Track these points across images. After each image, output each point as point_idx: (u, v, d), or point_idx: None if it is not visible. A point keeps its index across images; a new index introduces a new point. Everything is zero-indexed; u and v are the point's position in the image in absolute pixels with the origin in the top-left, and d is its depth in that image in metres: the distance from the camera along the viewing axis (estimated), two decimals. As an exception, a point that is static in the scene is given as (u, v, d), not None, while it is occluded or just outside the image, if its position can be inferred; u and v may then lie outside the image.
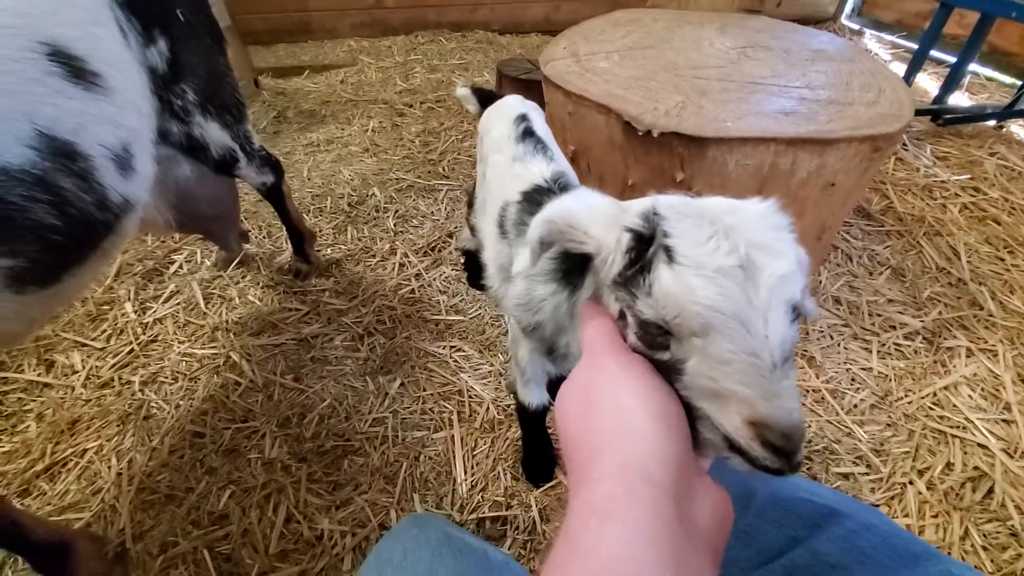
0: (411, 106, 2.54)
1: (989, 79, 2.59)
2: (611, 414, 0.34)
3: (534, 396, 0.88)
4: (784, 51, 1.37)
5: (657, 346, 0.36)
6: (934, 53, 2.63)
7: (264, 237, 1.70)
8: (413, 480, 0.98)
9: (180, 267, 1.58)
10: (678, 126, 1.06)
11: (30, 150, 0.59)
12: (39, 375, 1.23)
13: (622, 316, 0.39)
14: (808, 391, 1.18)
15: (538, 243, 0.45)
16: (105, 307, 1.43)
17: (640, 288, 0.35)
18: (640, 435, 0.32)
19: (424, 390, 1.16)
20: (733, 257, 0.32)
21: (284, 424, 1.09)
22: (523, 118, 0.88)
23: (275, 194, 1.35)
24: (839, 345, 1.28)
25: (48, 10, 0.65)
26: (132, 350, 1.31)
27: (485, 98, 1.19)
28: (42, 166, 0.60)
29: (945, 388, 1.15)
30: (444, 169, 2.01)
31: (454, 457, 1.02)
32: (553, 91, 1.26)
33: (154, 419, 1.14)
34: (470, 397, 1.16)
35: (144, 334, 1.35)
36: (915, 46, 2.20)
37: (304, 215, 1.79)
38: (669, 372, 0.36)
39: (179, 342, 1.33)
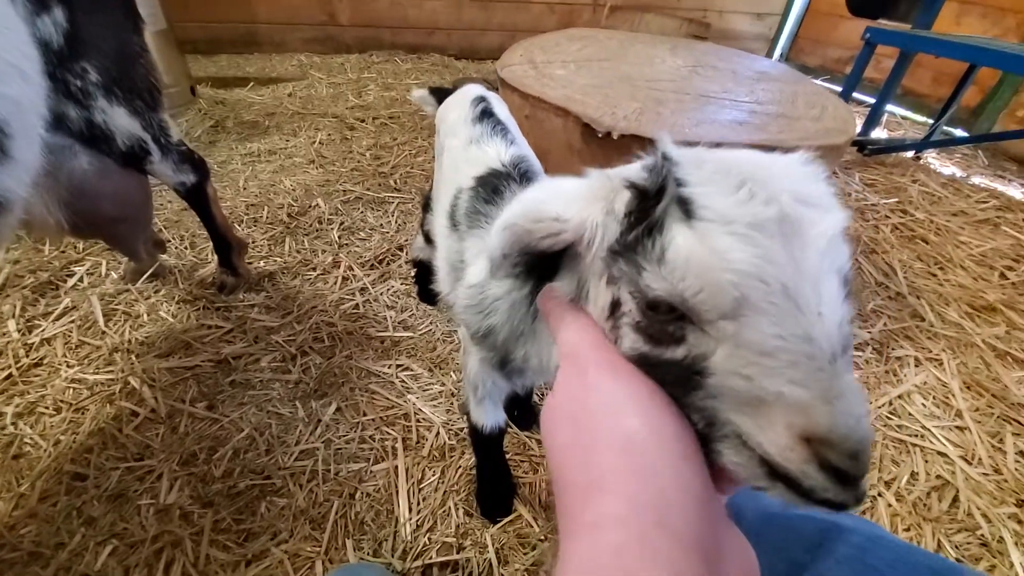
0: (363, 121, 2.45)
1: (904, 118, 2.87)
2: (611, 442, 0.26)
3: (488, 417, 0.77)
4: (731, 71, 1.42)
5: (668, 339, 0.27)
6: (856, 95, 2.89)
7: (186, 248, 1.52)
8: (346, 523, 0.83)
9: (80, 280, 1.36)
10: (638, 129, 1.04)
11: None
12: None
13: (613, 311, 0.31)
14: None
15: (500, 256, 0.36)
16: (-23, 326, 1.19)
17: (647, 254, 0.27)
18: (651, 469, 0.24)
19: (364, 415, 1.02)
20: (773, 208, 0.24)
21: (188, 461, 0.92)
22: (481, 99, 0.81)
23: (197, 196, 1.19)
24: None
25: None
26: (10, 375, 1.08)
27: (444, 98, 1.13)
28: None
29: (899, 397, 1.15)
30: (396, 182, 1.92)
31: (397, 493, 0.88)
32: (510, 94, 1.22)
33: (26, 458, 0.93)
34: (417, 421, 1.03)
35: (27, 357, 1.13)
36: (839, 88, 2.40)
37: (236, 225, 1.63)
38: (682, 381, 0.27)
39: (68, 366, 1.12)
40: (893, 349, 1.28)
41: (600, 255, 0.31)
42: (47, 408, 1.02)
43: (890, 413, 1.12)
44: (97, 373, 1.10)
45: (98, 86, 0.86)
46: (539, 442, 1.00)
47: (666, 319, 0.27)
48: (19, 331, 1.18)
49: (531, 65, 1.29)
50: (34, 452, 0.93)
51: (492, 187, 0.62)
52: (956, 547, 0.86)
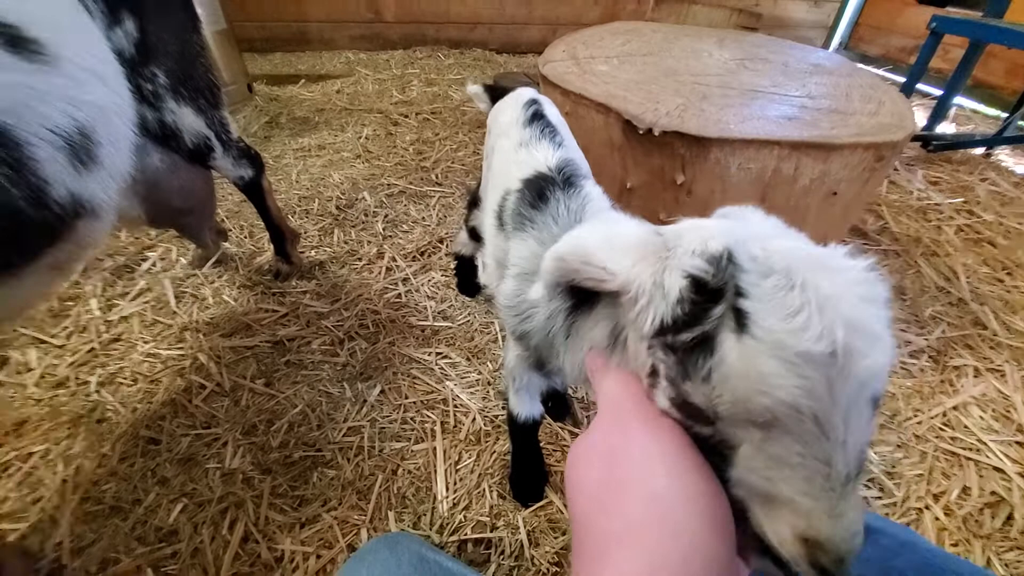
0: (407, 116, 2.52)
1: (974, 111, 2.66)
2: (639, 494, 0.27)
3: (524, 407, 0.80)
4: (782, 64, 1.37)
5: (699, 418, 0.29)
6: (921, 86, 2.71)
7: (245, 237, 1.63)
8: (389, 496, 0.88)
9: (153, 264, 1.49)
10: (680, 126, 1.03)
11: None
12: (-14, 373, 1.13)
13: (651, 373, 0.32)
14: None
15: (552, 285, 0.39)
16: (69, 303, 1.33)
17: (694, 367, 0.28)
18: (675, 529, 0.25)
19: (406, 398, 1.08)
20: (825, 342, 0.25)
21: (250, 432, 1.00)
22: (534, 102, 0.83)
23: (254, 189, 1.28)
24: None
25: None
26: (92, 349, 1.21)
27: (498, 96, 1.15)
28: None
29: (955, 408, 1.10)
30: (437, 176, 1.97)
31: (435, 471, 0.93)
32: (551, 91, 1.23)
33: (108, 423, 1.04)
34: (455, 407, 1.08)
35: (107, 332, 1.25)
36: (901, 79, 2.25)
37: (290, 216, 1.73)
38: (710, 449, 0.29)
39: (143, 342, 1.23)
40: (951, 358, 1.22)
41: (643, 328, 0.32)
42: (125, 379, 1.13)
43: (943, 424, 1.07)
44: (169, 349, 1.21)
45: (167, 88, 0.94)
46: (572, 433, 1.03)
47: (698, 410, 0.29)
48: (100, 309, 1.31)
49: (574, 61, 1.30)
50: (114, 417, 1.04)
51: (537, 191, 0.64)
52: (1006, 565, 0.83)
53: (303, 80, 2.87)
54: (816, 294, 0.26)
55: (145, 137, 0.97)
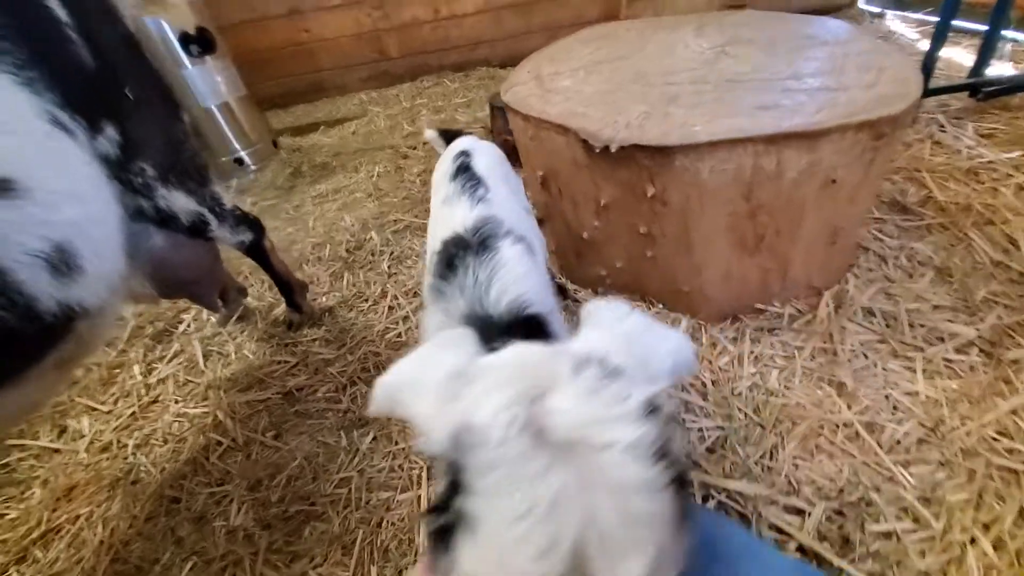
0: (415, 148, 2.59)
1: (1043, 41, 2.27)
2: None
3: None
4: (768, 42, 1.25)
5: None
6: (965, 24, 2.36)
7: (266, 290, 1.74)
8: (372, 549, 0.90)
9: (188, 326, 1.64)
10: (639, 138, 0.97)
11: None
12: (51, 441, 1.29)
13: None
14: (838, 426, 1.00)
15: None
16: (116, 370, 1.49)
17: (444, 562, 0.27)
18: None
19: (396, 444, 1.10)
20: (547, 562, 0.23)
21: (255, 487, 1.06)
22: (463, 154, 0.81)
23: (256, 251, 1.37)
24: (875, 366, 1.09)
25: None
26: (133, 412, 1.34)
27: (452, 139, 1.15)
28: None
29: (1013, 412, 0.94)
30: (439, 206, 2.00)
31: (419, 522, 0.94)
32: (514, 117, 1.21)
33: (141, 483, 1.15)
34: (446, 448, 1.08)
35: (147, 395, 1.39)
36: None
37: (304, 264, 1.83)
38: None
39: (175, 402, 1.35)
40: (1007, 349, 1.04)
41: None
42: (157, 440, 1.25)
43: (998, 433, 0.92)
44: (196, 407, 1.32)
45: (155, 178, 1.02)
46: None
47: None
48: (141, 374, 1.46)
49: (537, 81, 1.27)
50: (146, 478, 1.15)
51: (448, 257, 0.61)
52: (1078, 612, 0.68)
53: (322, 127, 3.04)
54: (549, 493, 0.23)
55: (145, 223, 1.07)
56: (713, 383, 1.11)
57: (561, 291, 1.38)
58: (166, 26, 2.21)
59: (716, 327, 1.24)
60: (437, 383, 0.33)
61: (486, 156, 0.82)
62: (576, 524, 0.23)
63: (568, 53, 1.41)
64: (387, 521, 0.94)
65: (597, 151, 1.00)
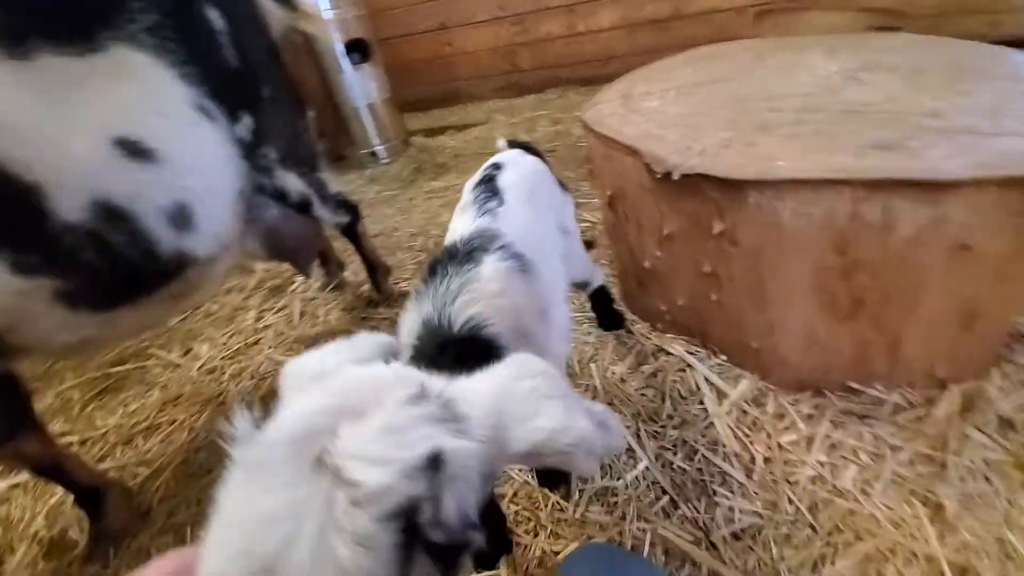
0: (524, 157, 2.67)
1: None
2: None
3: None
4: (915, 71, 1.04)
5: None
6: None
7: (361, 269, 1.96)
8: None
9: (297, 286, 1.92)
10: (708, 167, 0.89)
11: (84, 212, 0.78)
12: (177, 356, 1.62)
13: None
14: (916, 557, 0.78)
15: None
16: (238, 312, 1.82)
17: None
18: None
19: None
20: (235, 569, 0.23)
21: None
22: (494, 165, 0.82)
23: (350, 232, 1.56)
24: (996, 495, 0.83)
25: (115, 111, 0.84)
26: (239, 348, 1.62)
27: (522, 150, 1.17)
28: (92, 223, 0.79)
29: None
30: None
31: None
32: (589, 136, 1.19)
33: (225, 405, 1.39)
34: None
35: (252, 337, 1.67)
36: None
37: (397, 251, 2.02)
38: None
39: (268, 347, 1.60)
40: None
41: None
42: (248, 375, 1.49)
43: None
44: (281, 355, 1.55)
45: (276, 161, 1.23)
46: (557, 507, 0.94)
47: None
48: (253, 319, 1.75)
49: (623, 100, 1.22)
50: (231, 402, 1.38)
51: (433, 263, 0.61)
52: None
53: (450, 130, 3.31)
54: (265, 506, 0.24)
55: (264, 196, 1.30)
56: (766, 461, 0.95)
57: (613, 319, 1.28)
58: (336, 38, 2.62)
59: (789, 396, 1.05)
60: (303, 380, 0.35)
61: (517, 171, 0.81)
62: (276, 545, 0.23)
63: (668, 73, 1.34)
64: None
65: (658, 176, 0.93)
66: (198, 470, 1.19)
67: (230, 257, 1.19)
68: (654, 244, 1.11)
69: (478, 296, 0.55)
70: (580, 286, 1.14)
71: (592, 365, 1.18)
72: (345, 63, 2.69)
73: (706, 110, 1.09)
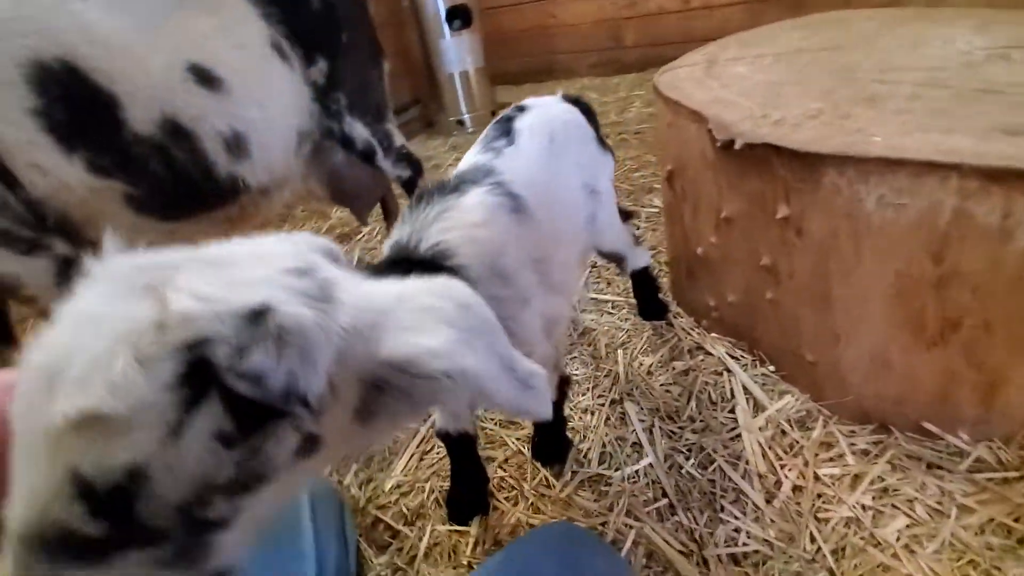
0: (607, 136, 2.54)
1: None
2: None
3: (440, 418, 0.77)
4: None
5: None
6: None
7: (423, 227, 2.02)
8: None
9: (362, 237, 2.03)
10: (779, 137, 0.75)
11: (153, 126, 0.87)
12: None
13: None
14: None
15: None
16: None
17: None
18: None
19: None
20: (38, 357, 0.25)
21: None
22: (520, 108, 0.78)
23: (411, 187, 1.59)
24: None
25: (195, 39, 0.92)
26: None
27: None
28: (159, 137, 0.88)
29: None
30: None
31: (404, 449, 0.97)
32: (657, 101, 1.07)
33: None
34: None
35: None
36: None
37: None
38: None
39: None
40: None
41: None
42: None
43: None
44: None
45: (346, 108, 1.27)
46: (544, 480, 0.89)
47: None
48: (320, 260, 1.89)
49: (707, 64, 1.08)
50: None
51: (421, 193, 0.58)
52: None
53: (538, 106, 3.26)
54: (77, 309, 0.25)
55: (332, 140, 1.37)
56: (795, 489, 0.81)
57: None
58: (439, 3, 2.66)
59: (844, 425, 0.89)
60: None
61: (540, 115, 0.76)
62: (68, 351, 0.24)
63: (770, 38, 1.16)
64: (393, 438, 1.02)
65: (718, 145, 0.81)
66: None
67: (288, 191, 1.27)
68: (710, 228, 0.99)
69: (453, 224, 0.53)
70: (614, 260, 1.05)
71: (620, 351, 1.09)
72: (445, 28, 2.74)
73: (802, 79, 0.93)
